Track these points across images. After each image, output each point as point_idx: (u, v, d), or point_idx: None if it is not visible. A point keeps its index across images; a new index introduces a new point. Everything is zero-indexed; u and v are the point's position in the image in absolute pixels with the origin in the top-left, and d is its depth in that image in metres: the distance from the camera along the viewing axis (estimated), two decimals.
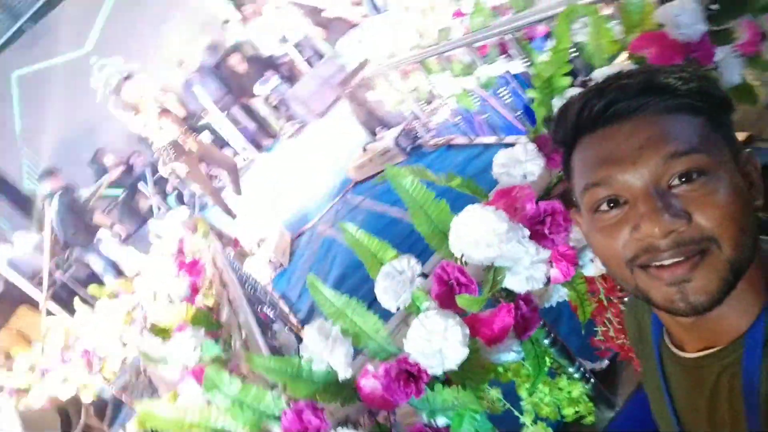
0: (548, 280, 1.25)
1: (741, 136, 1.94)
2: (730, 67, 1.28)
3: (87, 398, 3.71)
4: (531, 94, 1.18)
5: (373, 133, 5.08)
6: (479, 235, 1.06)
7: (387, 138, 4.67)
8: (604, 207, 0.65)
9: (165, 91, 5.17)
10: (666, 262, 0.60)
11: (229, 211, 5.94)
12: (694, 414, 0.71)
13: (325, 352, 1.09)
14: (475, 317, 1.14)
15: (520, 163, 1.17)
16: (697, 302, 0.61)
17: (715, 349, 0.67)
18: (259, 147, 8.82)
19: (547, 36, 2.67)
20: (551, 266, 1.22)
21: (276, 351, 1.92)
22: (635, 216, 0.62)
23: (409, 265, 1.10)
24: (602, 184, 0.64)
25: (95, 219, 6.78)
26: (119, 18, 9.43)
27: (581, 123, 0.67)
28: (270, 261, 4.93)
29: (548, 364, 1.38)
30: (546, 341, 1.40)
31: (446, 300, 1.15)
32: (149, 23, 9.48)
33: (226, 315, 2.15)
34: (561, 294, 1.29)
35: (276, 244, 5.08)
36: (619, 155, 0.63)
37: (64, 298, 6.62)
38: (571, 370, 1.48)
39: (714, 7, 1.40)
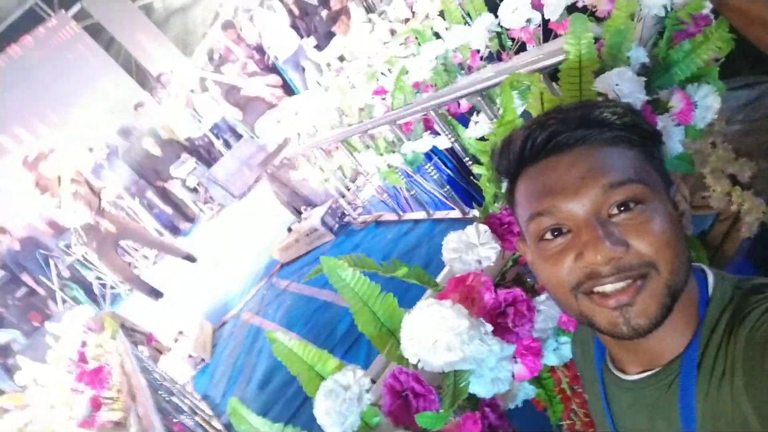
0: (513, 377, 1.10)
1: None
2: (672, 136, 1.24)
3: None
4: (478, 170, 1.07)
5: (299, 213, 4.91)
6: (437, 336, 0.90)
7: (313, 217, 4.51)
8: (549, 236, 0.68)
9: (77, 171, 4.83)
10: (608, 289, 0.64)
11: (152, 293, 5.47)
12: None
13: None
14: None
15: (474, 247, 1.03)
16: (638, 325, 0.64)
17: (654, 371, 0.70)
18: (176, 231, 8.42)
19: (471, 111, 2.67)
20: (515, 362, 1.07)
21: None
22: (578, 244, 0.65)
23: (355, 378, 0.91)
24: (546, 213, 0.67)
25: None
26: (20, 99, 8.91)
27: (525, 154, 0.70)
28: (189, 356, 4.49)
29: None
30: None
31: (401, 415, 0.96)
32: (55, 105, 9.06)
33: None
34: (527, 392, 1.14)
35: (195, 337, 4.66)
36: (562, 185, 0.66)
37: None
38: None
39: (639, 78, 1.39)
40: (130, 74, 9.77)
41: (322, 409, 0.91)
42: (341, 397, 0.91)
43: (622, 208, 0.64)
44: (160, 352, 4.53)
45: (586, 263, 0.64)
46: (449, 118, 2.55)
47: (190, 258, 5.64)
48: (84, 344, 2.87)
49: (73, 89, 9.16)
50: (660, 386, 0.69)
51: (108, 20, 9.56)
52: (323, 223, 4.25)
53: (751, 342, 0.60)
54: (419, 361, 0.93)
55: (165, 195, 8.56)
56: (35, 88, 8.90)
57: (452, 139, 2.56)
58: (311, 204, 4.75)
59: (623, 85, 1.15)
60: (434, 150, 3.07)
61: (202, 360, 4.38)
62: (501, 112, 1.07)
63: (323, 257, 0.97)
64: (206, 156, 8.52)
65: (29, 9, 9.15)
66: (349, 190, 4.19)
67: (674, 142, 1.24)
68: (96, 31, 9.58)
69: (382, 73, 3.34)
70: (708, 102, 1.34)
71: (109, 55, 9.61)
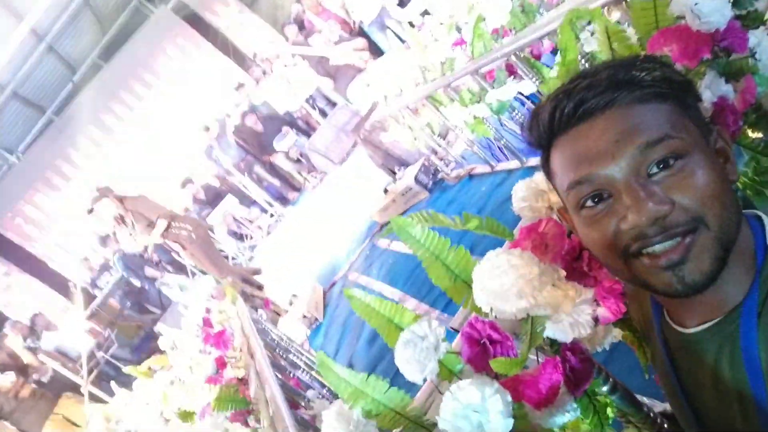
0: (597, 321, 1.09)
1: None
2: None
3: None
4: None
5: (393, 174, 4.98)
6: (507, 284, 0.91)
7: (407, 177, 4.56)
8: (590, 203, 0.67)
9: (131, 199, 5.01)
10: (657, 249, 0.62)
11: (256, 271, 5.87)
12: (700, 388, 0.73)
13: None
14: (516, 378, 0.98)
15: (543, 194, 1.02)
16: (693, 282, 0.62)
17: (713, 322, 0.68)
18: (286, 201, 8.87)
19: (555, 51, 2.54)
20: (597, 305, 1.05)
21: (306, 425, 1.76)
22: (621, 208, 0.63)
23: (431, 328, 0.95)
24: (584, 181, 0.66)
25: (147, 273, 8.02)
26: (135, 95, 9.71)
27: (554, 125, 0.69)
28: (304, 317, 4.80)
29: (611, 416, 1.20)
30: (604, 388, 1.22)
31: (480, 362, 0.99)
32: (164, 97, 9.77)
33: (254, 389, 2.02)
34: (614, 335, 1.12)
35: (308, 299, 4.96)
36: (597, 151, 0.64)
37: (112, 376, 6.66)
38: (639, 416, 1.29)
39: None
40: (229, 56, 10.25)
41: (402, 358, 0.97)
42: (419, 346, 0.95)
43: (662, 166, 0.62)
44: (279, 315, 4.88)
45: (631, 226, 0.63)
46: (532, 60, 2.45)
47: (257, 272, 5.87)
48: (209, 311, 3.17)
49: (179, 78, 9.81)
50: (721, 336, 0.67)
51: (203, 8, 10.05)
52: (417, 181, 4.29)
53: None
54: (492, 309, 0.95)
55: (272, 168, 9.01)
56: (146, 81, 9.65)
57: (537, 82, 2.47)
58: (405, 164, 4.80)
59: (703, 4, 1.05)
60: (528, 95, 2.97)
61: (316, 320, 4.66)
62: (562, 51, 1.03)
63: (393, 217, 1.01)
64: (305, 127, 8.83)
65: (134, 8, 9.86)
66: (440, 146, 4.17)
67: None
68: (194, 20, 10.12)
69: (463, 23, 3.25)
70: None
71: (208, 41, 10.13)
